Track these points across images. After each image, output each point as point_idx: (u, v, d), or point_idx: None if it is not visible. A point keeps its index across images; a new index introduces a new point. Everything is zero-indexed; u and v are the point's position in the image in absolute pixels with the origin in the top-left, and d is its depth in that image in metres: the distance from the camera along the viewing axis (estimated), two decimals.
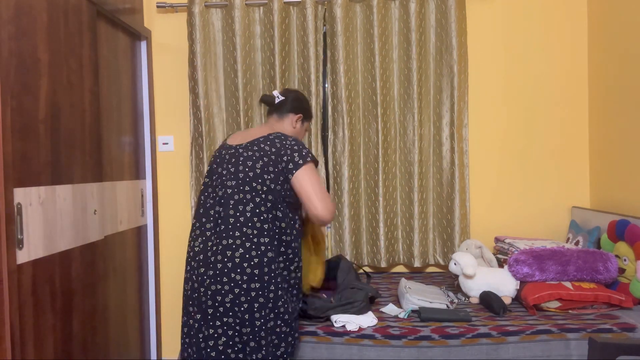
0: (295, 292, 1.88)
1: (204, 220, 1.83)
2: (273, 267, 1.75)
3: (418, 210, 2.84)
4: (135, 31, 2.69)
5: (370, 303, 2.19)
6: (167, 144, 2.98)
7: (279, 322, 1.76)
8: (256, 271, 1.72)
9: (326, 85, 2.92)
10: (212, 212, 1.82)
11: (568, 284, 2.13)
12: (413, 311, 2.12)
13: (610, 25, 2.69)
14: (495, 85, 2.94)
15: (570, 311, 2.09)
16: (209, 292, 1.72)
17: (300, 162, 1.79)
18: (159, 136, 2.98)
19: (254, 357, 1.71)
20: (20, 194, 1.64)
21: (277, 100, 2.00)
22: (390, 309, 2.16)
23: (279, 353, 1.77)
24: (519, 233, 2.93)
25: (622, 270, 2.22)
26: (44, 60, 1.81)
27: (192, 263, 1.81)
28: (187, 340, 1.81)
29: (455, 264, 2.28)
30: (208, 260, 1.75)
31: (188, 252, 1.86)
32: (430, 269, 2.97)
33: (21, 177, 1.65)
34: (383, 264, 2.83)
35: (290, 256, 1.84)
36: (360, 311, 2.04)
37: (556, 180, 2.94)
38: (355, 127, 2.87)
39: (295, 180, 1.79)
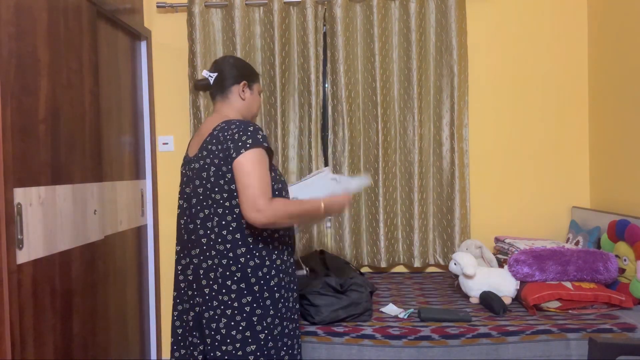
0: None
1: (189, 246, 1.71)
2: (249, 271, 1.64)
3: (418, 210, 2.84)
4: (135, 31, 2.69)
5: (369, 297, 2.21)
6: (167, 144, 2.98)
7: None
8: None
9: (326, 85, 2.92)
10: (193, 236, 1.69)
11: (568, 284, 2.13)
12: (413, 311, 2.13)
13: (610, 25, 2.69)
14: (495, 85, 2.94)
15: (570, 311, 2.09)
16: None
17: (234, 154, 1.58)
18: (159, 136, 2.98)
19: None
20: (20, 194, 1.64)
21: (211, 80, 1.76)
22: (390, 309, 2.16)
23: None
24: (519, 233, 2.93)
25: (622, 270, 2.22)
26: (44, 61, 1.81)
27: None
28: None
29: (455, 264, 2.28)
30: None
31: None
32: (430, 269, 2.97)
33: (21, 177, 1.65)
34: (383, 264, 2.83)
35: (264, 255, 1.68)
36: (361, 317, 2.05)
37: (556, 180, 2.94)
38: (355, 127, 2.87)
39: (234, 171, 1.59)
